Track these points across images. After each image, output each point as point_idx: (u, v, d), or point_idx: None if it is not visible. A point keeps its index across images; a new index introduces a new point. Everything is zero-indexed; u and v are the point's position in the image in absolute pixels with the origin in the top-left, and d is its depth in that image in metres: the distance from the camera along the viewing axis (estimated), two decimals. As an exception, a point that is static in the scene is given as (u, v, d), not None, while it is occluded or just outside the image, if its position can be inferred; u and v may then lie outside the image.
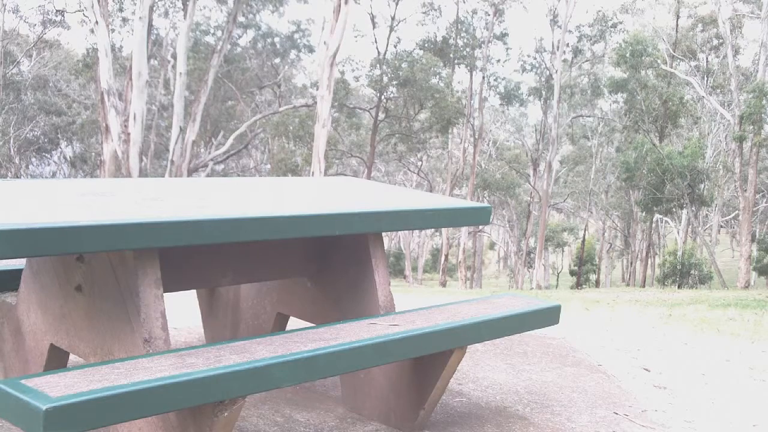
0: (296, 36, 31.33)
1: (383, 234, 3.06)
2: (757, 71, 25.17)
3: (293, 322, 3.64)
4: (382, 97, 29.56)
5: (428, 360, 2.63)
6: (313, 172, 18.22)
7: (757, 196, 29.89)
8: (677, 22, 30.33)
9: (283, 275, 2.98)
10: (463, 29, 33.18)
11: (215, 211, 2.38)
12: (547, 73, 34.36)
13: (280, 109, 27.69)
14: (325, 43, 18.40)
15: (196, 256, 2.69)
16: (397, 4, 30.47)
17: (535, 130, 37.68)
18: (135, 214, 2.21)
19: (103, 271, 2.28)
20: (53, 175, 32.39)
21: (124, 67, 23.24)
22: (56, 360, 2.53)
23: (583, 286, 31.58)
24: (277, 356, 2.10)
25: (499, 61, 37.65)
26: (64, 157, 32.59)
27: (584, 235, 35.70)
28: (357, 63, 31.96)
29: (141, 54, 16.98)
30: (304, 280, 3.02)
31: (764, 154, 28.48)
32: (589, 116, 36.56)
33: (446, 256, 33.01)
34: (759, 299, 9.40)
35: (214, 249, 2.72)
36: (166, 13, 28.17)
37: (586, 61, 35.13)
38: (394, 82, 28.93)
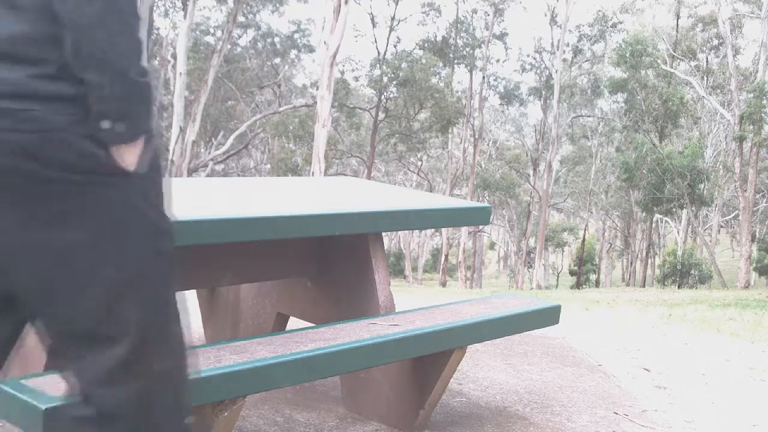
0: (296, 36, 31.33)
1: (383, 234, 3.06)
2: (757, 71, 25.16)
3: (293, 322, 3.64)
4: (382, 97, 29.56)
5: (428, 360, 2.62)
6: (313, 172, 18.22)
7: (757, 196, 29.88)
8: (677, 22, 30.33)
9: (283, 275, 2.98)
10: (463, 29, 33.19)
11: (215, 211, 2.38)
12: (547, 72, 34.36)
13: (280, 109, 27.69)
14: (325, 43, 18.40)
15: (196, 256, 2.69)
16: (397, 4, 30.48)
17: (535, 130, 37.67)
18: (135, 214, 2.20)
19: (103, 271, 2.28)
20: (53, 175, 32.36)
21: (124, 67, 23.22)
22: (56, 360, 2.52)
23: (583, 286, 31.58)
24: (277, 356, 2.10)
25: (498, 60, 37.74)
26: (64, 157, 32.58)
27: (584, 235, 35.70)
28: (357, 63, 32.05)
29: (141, 54, 16.97)
30: (304, 280, 3.03)
31: (764, 154, 28.48)
32: (589, 116, 36.55)
33: (446, 256, 33.01)
34: (759, 299, 9.40)
35: (214, 249, 2.72)
36: (166, 13, 28.18)
37: (586, 61, 35.13)
38: (394, 82, 28.94)
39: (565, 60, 32.99)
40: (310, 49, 31.52)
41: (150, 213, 1.35)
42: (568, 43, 33.15)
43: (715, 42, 30.65)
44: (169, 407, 1.40)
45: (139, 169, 1.29)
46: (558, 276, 42.81)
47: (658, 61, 27.93)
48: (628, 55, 26.42)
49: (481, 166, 35.42)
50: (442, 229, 29.90)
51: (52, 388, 1.77)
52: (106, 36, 1.19)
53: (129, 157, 1.27)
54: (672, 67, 28.63)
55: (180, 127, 20.75)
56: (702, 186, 25.12)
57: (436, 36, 32.68)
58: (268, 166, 32.21)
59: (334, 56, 18.06)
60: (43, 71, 1.21)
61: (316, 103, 19.91)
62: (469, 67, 33.79)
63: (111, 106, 1.23)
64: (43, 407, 1.65)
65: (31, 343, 2.58)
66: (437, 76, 29.82)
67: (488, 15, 33.10)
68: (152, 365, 1.35)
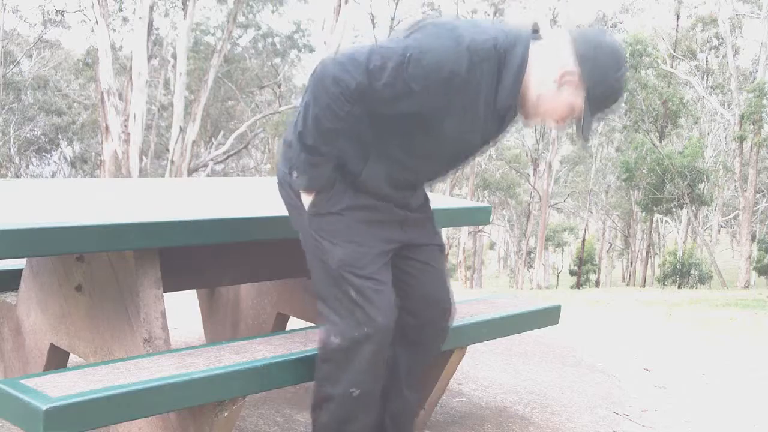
0: (296, 36, 31.31)
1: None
2: (757, 71, 25.14)
3: (293, 322, 3.64)
4: (382, 96, 29.47)
5: (428, 360, 2.62)
6: (313, 172, 18.17)
7: (757, 196, 29.86)
8: (677, 21, 30.31)
9: (283, 275, 2.98)
10: (463, 29, 33.08)
11: (215, 211, 2.38)
12: (547, 72, 34.32)
13: (280, 109, 27.68)
14: (325, 43, 18.39)
15: (196, 256, 2.69)
16: (397, 4, 30.48)
17: (535, 130, 37.64)
18: (135, 214, 2.21)
19: (103, 271, 2.28)
20: (53, 175, 32.35)
21: (124, 67, 23.23)
22: (56, 360, 2.53)
23: (583, 286, 31.56)
24: (277, 356, 2.10)
25: (499, 60, 37.53)
26: (64, 157, 32.55)
27: (584, 235, 35.68)
28: (357, 63, 31.82)
29: (141, 54, 16.97)
30: (304, 280, 3.02)
31: (764, 154, 28.46)
32: (589, 116, 36.45)
33: (446, 256, 32.97)
34: (759, 299, 9.39)
35: (214, 249, 2.72)
36: (166, 13, 28.16)
37: (587, 60, 35.07)
38: (394, 82, 28.83)
39: (565, 60, 32.96)
40: (310, 49, 31.49)
41: (319, 242, 2.07)
42: (568, 43, 33.12)
43: (715, 42, 30.63)
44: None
45: (309, 211, 2.05)
46: (558, 276, 42.79)
47: (658, 61, 27.91)
48: (628, 55, 26.35)
49: (481, 166, 35.42)
50: (442, 228, 29.81)
51: (52, 388, 1.77)
52: (298, 127, 1.96)
53: (304, 200, 2.05)
54: (672, 67, 28.61)
55: (180, 127, 20.74)
56: (702, 186, 25.09)
57: (436, 36, 32.61)
58: (268, 166, 32.20)
59: (334, 56, 18.02)
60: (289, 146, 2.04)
61: (316, 103, 19.83)
62: (469, 67, 33.67)
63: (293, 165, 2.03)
64: (43, 407, 1.65)
65: (31, 343, 2.58)
66: (437, 76, 29.66)
67: (488, 15, 33.09)
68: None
